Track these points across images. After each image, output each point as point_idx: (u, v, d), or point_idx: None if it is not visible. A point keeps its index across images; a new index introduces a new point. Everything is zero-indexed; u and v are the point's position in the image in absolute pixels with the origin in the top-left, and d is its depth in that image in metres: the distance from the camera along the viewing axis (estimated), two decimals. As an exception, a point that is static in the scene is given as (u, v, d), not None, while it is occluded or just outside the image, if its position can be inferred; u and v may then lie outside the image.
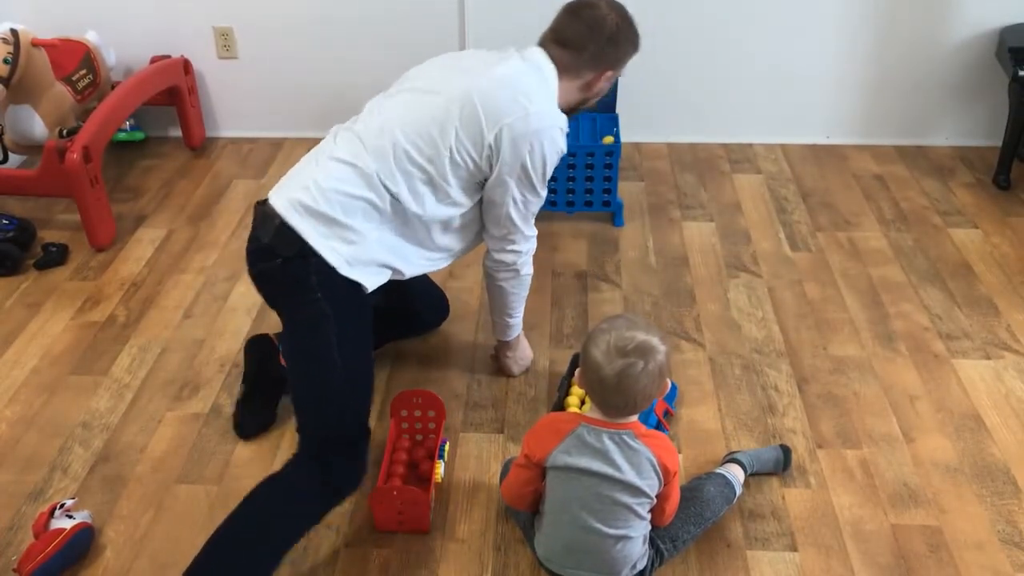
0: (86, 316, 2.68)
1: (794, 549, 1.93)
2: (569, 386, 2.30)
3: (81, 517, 1.94)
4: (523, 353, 2.41)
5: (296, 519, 1.76)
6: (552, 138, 1.94)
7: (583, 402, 2.25)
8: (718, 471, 2.01)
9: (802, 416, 2.28)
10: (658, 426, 2.18)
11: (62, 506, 1.94)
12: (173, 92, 3.46)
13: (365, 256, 1.89)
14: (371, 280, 1.92)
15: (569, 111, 2.05)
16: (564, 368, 2.39)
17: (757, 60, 3.48)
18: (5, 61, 2.79)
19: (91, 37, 3.30)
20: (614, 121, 3.08)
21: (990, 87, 3.45)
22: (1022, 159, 3.35)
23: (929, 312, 2.65)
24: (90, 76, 3.21)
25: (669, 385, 1.75)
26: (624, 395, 1.68)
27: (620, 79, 3.15)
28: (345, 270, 1.85)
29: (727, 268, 2.86)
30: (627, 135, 3.14)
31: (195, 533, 1.92)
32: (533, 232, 2.14)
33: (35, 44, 2.91)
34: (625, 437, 1.71)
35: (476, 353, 2.50)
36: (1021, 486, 2.07)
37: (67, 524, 1.90)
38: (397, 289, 2.08)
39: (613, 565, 1.76)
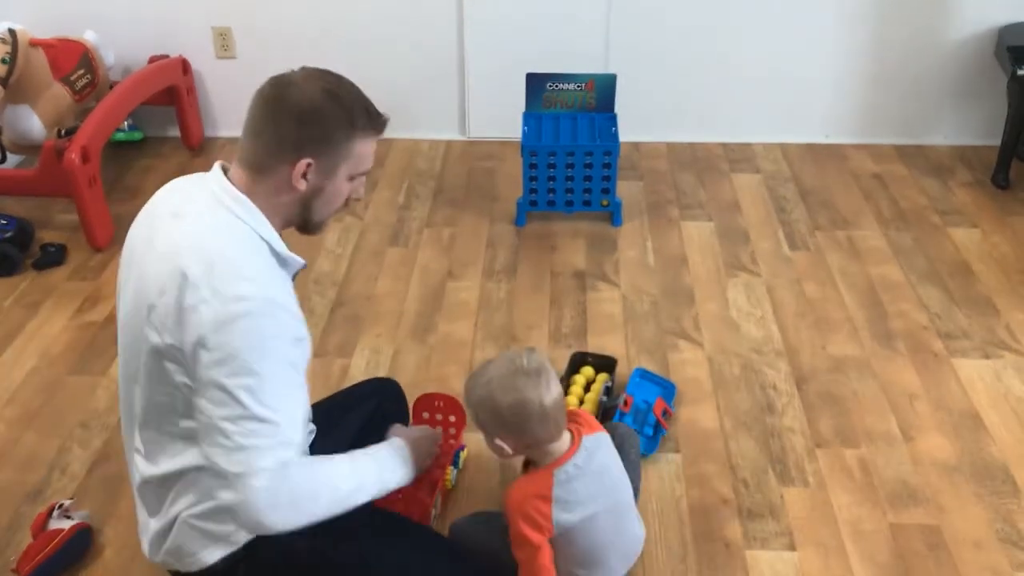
0: (85, 316, 2.67)
1: (793, 548, 1.93)
2: (568, 386, 2.30)
3: (80, 517, 1.94)
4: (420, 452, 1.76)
5: None
6: None
7: (581, 402, 2.25)
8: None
9: (801, 415, 2.28)
10: (657, 426, 2.19)
11: (61, 506, 1.94)
12: (171, 92, 3.45)
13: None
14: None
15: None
16: (563, 368, 2.38)
17: (756, 59, 3.48)
18: (3, 61, 2.79)
19: (89, 37, 3.30)
20: (612, 120, 3.08)
21: (989, 86, 3.45)
22: (1021, 158, 3.35)
23: (928, 311, 2.65)
24: (88, 76, 3.21)
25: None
26: (563, 410, 1.63)
27: (619, 79, 3.15)
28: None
29: (726, 267, 2.86)
30: (626, 134, 3.14)
31: (194, 533, 1.91)
32: None
33: (33, 44, 2.91)
34: (586, 447, 1.66)
35: (475, 353, 2.50)
36: (1020, 485, 2.07)
37: (66, 524, 1.90)
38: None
39: (640, 541, 1.81)
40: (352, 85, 1.49)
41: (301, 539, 1.46)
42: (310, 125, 1.41)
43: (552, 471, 1.62)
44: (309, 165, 1.43)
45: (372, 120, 1.48)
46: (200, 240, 1.39)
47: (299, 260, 1.51)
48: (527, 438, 1.62)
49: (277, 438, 1.36)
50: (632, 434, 2.01)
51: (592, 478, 1.65)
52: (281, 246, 1.46)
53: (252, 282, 1.36)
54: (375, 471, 1.57)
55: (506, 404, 1.58)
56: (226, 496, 1.37)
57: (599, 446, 1.70)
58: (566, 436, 1.67)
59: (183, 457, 1.47)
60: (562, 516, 1.61)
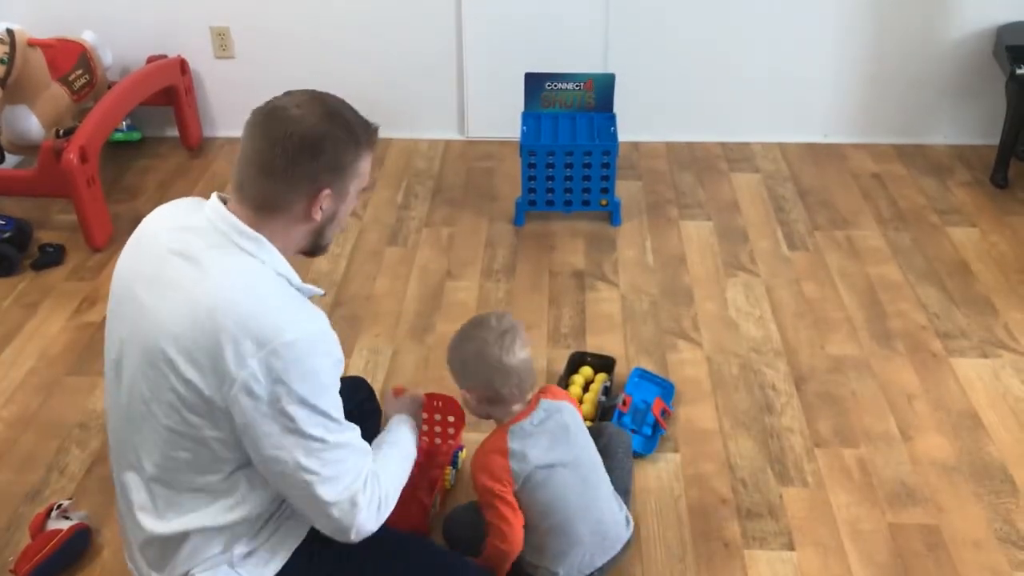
0: (83, 317, 2.67)
1: (792, 548, 1.93)
2: (567, 386, 2.30)
3: (78, 518, 1.94)
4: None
5: None
6: None
7: (580, 401, 2.25)
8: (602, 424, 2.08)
9: (800, 415, 2.28)
10: (655, 426, 2.18)
11: (59, 507, 1.94)
12: (170, 92, 3.45)
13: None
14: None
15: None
16: (562, 367, 2.38)
17: (755, 59, 3.48)
18: (1, 61, 2.79)
19: (88, 37, 3.30)
20: (611, 120, 3.08)
21: (988, 85, 3.45)
22: (1020, 158, 3.35)
23: (927, 311, 2.65)
24: (86, 76, 3.21)
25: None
26: (531, 370, 1.74)
27: (618, 79, 3.15)
28: None
29: (725, 267, 2.86)
30: (625, 134, 3.14)
31: (192, 534, 1.91)
32: None
33: (31, 44, 2.91)
34: (544, 408, 1.75)
35: (474, 353, 2.50)
36: (1018, 485, 2.07)
37: (64, 525, 1.90)
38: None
39: (616, 529, 1.79)
40: (342, 101, 1.46)
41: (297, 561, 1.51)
42: (323, 155, 1.39)
43: (508, 427, 1.73)
44: (327, 194, 1.42)
45: (371, 134, 1.47)
46: (228, 293, 1.35)
47: (316, 290, 1.50)
48: (488, 391, 1.72)
49: (357, 456, 1.42)
50: (621, 434, 2.02)
51: (548, 436, 1.73)
52: (297, 280, 1.45)
53: (292, 325, 1.34)
54: (408, 450, 1.64)
55: (469, 352, 1.72)
56: (325, 522, 1.42)
57: (559, 410, 1.77)
58: (528, 398, 1.77)
59: (199, 515, 1.43)
60: (517, 466, 1.69)
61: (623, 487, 1.89)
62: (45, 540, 1.86)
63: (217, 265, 1.38)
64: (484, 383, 1.72)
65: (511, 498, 1.70)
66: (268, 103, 1.42)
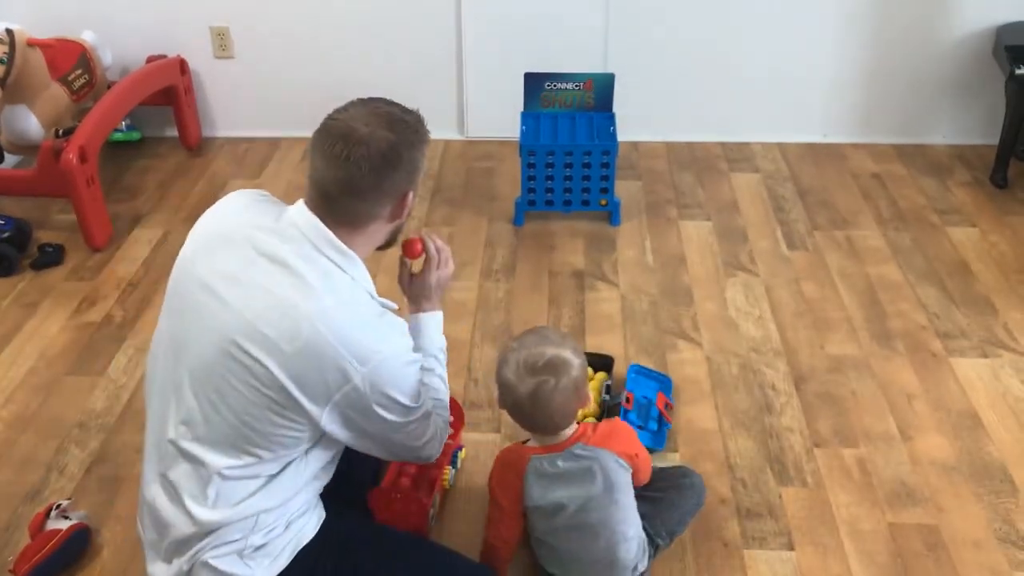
0: (83, 316, 2.67)
1: (791, 548, 1.93)
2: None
3: (77, 518, 1.94)
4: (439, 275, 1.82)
5: None
6: None
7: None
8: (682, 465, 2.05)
9: (799, 415, 2.28)
10: (660, 420, 2.19)
11: (58, 507, 1.94)
12: (169, 92, 3.45)
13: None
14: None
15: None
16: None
17: (755, 59, 3.48)
18: (1, 61, 2.79)
19: (87, 37, 3.30)
20: (611, 120, 3.08)
21: (987, 85, 3.45)
22: (1019, 157, 3.35)
23: (926, 311, 2.65)
24: (86, 76, 3.20)
25: (590, 398, 1.75)
26: (543, 413, 1.66)
27: (618, 78, 3.15)
28: None
29: (724, 267, 2.86)
30: (624, 134, 3.14)
31: (192, 534, 1.91)
32: None
33: (31, 44, 2.91)
34: (576, 452, 1.69)
35: (473, 353, 2.50)
36: (1018, 485, 2.07)
37: (63, 525, 1.90)
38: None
39: (620, 571, 1.75)
40: (390, 102, 1.54)
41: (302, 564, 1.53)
42: (401, 164, 1.48)
43: (531, 456, 1.71)
44: (411, 196, 1.54)
45: (424, 126, 1.57)
46: (331, 310, 1.42)
47: (392, 304, 1.56)
48: (512, 416, 1.72)
49: (432, 418, 1.62)
50: (694, 484, 1.94)
51: (565, 482, 1.68)
52: (375, 294, 1.54)
53: (387, 342, 1.47)
54: (441, 355, 1.77)
55: (503, 376, 1.68)
56: (407, 455, 1.65)
57: (590, 462, 1.69)
58: (568, 431, 1.71)
59: (248, 503, 1.49)
60: (526, 494, 1.71)
61: (668, 528, 1.85)
62: (44, 540, 1.86)
63: (316, 278, 1.44)
64: (507, 409, 1.71)
65: (513, 510, 1.74)
66: (333, 124, 1.47)
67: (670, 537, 1.86)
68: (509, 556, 1.82)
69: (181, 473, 1.49)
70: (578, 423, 1.75)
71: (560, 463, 1.69)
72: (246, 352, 1.40)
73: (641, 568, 1.77)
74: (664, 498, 1.87)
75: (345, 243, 1.48)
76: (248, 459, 1.46)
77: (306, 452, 1.53)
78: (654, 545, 1.82)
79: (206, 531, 1.48)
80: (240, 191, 1.60)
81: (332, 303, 1.42)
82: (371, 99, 1.52)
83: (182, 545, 1.51)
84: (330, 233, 1.47)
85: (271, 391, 1.41)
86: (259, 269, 1.43)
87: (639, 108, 3.48)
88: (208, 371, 1.44)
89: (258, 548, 1.51)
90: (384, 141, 1.45)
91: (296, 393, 1.41)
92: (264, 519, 1.50)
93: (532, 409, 1.65)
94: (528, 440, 1.78)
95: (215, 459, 1.46)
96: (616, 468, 1.70)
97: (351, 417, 1.48)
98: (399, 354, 1.49)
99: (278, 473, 1.50)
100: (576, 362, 1.66)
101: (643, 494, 1.82)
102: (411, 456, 1.65)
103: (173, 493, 1.50)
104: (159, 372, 1.53)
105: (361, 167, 1.43)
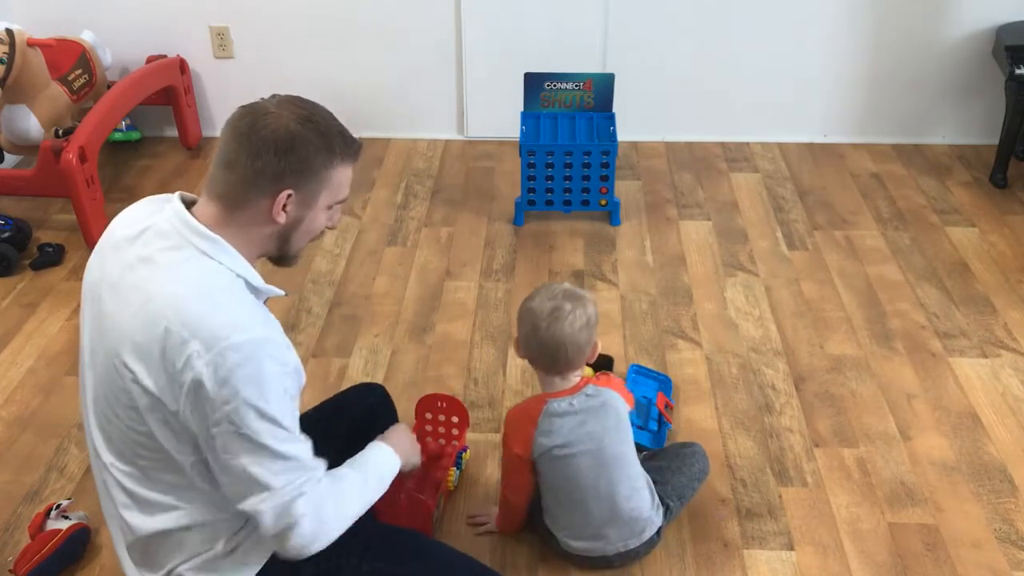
0: (82, 316, 2.67)
1: (791, 548, 1.93)
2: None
3: (77, 518, 1.94)
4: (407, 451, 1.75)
5: None
6: None
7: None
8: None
9: (799, 415, 2.28)
10: (661, 420, 2.19)
11: (58, 507, 1.94)
12: (169, 92, 3.45)
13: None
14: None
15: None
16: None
17: (754, 59, 3.48)
18: (1, 61, 2.79)
19: (87, 37, 3.30)
20: (611, 120, 3.08)
21: (987, 85, 3.45)
22: (1019, 157, 3.35)
23: (926, 311, 2.65)
24: (86, 76, 3.20)
25: (599, 346, 1.80)
26: (559, 340, 1.72)
27: (617, 78, 3.15)
28: None
29: (724, 267, 2.86)
30: (624, 134, 3.14)
31: (191, 533, 1.91)
32: None
33: (31, 44, 2.90)
34: (588, 392, 1.78)
35: (473, 352, 2.50)
36: (1018, 484, 2.07)
37: (63, 525, 1.90)
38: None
39: (635, 524, 1.82)
40: (327, 111, 1.43)
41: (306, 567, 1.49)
42: (289, 154, 1.36)
43: (546, 399, 1.78)
44: (289, 196, 1.38)
45: (349, 146, 1.43)
46: (178, 294, 1.33)
47: (276, 291, 1.47)
48: (528, 351, 1.78)
49: (306, 471, 1.38)
50: (700, 453, 2.01)
51: (580, 420, 1.76)
52: (258, 280, 1.42)
53: (242, 329, 1.32)
54: (372, 476, 1.58)
55: (523, 307, 1.78)
56: (271, 535, 1.38)
57: (601, 398, 1.78)
58: (575, 378, 1.79)
59: (177, 514, 1.44)
60: (541, 440, 1.76)
61: (677, 492, 1.92)
62: (44, 540, 1.86)
63: (171, 267, 1.36)
64: (525, 339, 1.77)
65: (526, 461, 1.78)
66: (255, 105, 1.40)
67: (680, 501, 1.92)
68: (525, 502, 1.87)
69: (108, 479, 1.48)
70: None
71: (574, 402, 1.77)
72: (121, 359, 1.34)
73: (656, 523, 1.84)
74: (670, 466, 1.94)
75: (217, 223, 1.39)
76: (150, 468, 1.41)
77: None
78: (665, 506, 1.88)
79: (148, 539, 1.46)
80: (148, 197, 1.52)
81: (182, 288, 1.33)
82: (314, 103, 1.44)
83: (138, 551, 1.50)
84: (192, 219, 1.38)
85: (139, 393, 1.34)
86: (133, 272, 1.37)
87: (639, 108, 3.48)
88: (99, 379, 1.41)
89: (230, 552, 1.48)
90: (280, 125, 1.36)
91: (153, 389, 1.32)
92: (219, 527, 1.46)
93: (549, 335, 1.72)
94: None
95: (124, 467, 1.44)
96: (623, 407, 1.81)
97: (202, 423, 1.31)
98: (256, 343, 1.31)
99: (195, 486, 1.42)
100: (592, 306, 1.76)
101: (648, 464, 1.90)
102: (260, 521, 1.37)
103: (110, 499, 1.50)
104: (79, 378, 1.51)
105: (242, 139, 1.35)
